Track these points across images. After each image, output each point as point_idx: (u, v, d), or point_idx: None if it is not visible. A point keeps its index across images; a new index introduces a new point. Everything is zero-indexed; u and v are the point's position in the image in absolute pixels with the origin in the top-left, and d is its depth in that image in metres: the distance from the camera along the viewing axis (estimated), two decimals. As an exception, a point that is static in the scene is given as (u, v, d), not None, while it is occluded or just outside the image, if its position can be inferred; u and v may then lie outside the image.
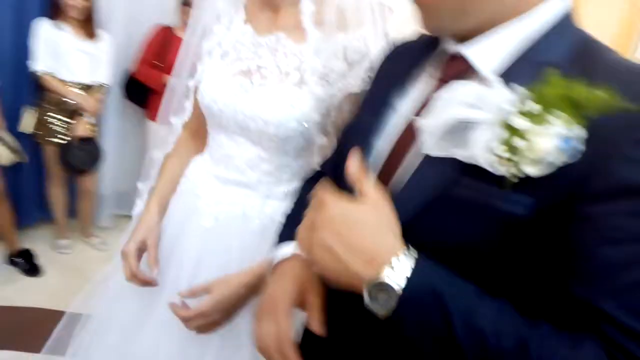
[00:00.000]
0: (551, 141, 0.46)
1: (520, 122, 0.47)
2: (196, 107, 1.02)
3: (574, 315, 0.48)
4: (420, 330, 0.49)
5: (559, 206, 0.49)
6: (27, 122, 2.50)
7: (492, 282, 0.52)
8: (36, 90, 2.50)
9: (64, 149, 2.51)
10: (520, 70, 0.53)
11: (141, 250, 0.95)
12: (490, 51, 0.56)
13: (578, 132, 0.47)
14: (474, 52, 0.57)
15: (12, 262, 2.49)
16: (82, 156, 2.56)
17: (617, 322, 0.46)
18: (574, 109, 0.46)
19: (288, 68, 0.89)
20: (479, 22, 0.55)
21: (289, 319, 0.63)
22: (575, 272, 0.48)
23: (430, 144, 0.54)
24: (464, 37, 0.58)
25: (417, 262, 0.50)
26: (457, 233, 0.53)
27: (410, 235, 0.53)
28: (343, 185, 0.61)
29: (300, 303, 0.66)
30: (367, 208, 0.53)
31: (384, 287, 0.49)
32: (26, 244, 2.58)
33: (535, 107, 0.47)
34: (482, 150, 0.49)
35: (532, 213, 0.49)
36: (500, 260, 0.52)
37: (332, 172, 0.74)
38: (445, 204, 0.54)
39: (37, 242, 2.69)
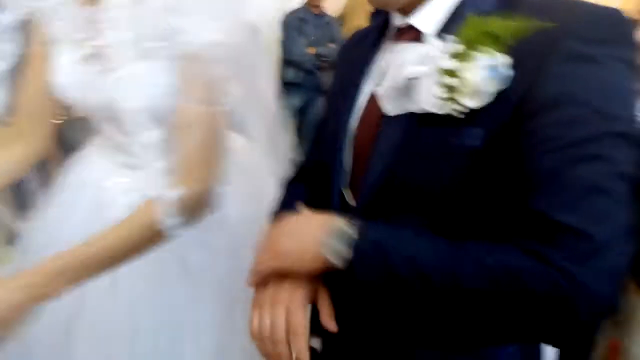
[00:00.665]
0: (479, 73, 0.53)
1: (450, 64, 0.54)
2: (32, 92, 0.91)
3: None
4: (376, 276, 0.56)
5: (507, 130, 0.54)
6: None
7: (465, 218, 0.58)
8: None
9: None
10: (454, 24, 0.59)
11: None
12: (431, 15, 0.63)
13: (502, 59, 0.53)
14: (418, 19, 0.64)
15: None
16: None
17: (547, 218, 0.51)
18: (494, 40, 0.53)
19: (123, 41, 0.79)
20: None
21: (305, 312, 0.63)
22: (527, 188, 0.53)
23: (388, 106, 0.61)
24: (407, 11, 0.65)
25: (362, 223, 0.58)
26: (428, 179, 0.59)
27: (388, 191, 0.61)
28: (328, 176, 0.70)
29: (313, 299, 0.65)
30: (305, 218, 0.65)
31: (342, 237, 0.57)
32: None
33: (460, 47, 0.54)
34: (427, 97, 0.56)
35: (486, 143, 0.55)
36: (469, 194, 0.57)
37: (313, 167, 0.80)
38: (411, 156, 0.60)
39: None
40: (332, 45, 3.59)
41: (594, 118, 0.52)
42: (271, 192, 0.92)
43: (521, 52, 0.53)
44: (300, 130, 3.78)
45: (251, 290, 0.68)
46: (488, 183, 0.56)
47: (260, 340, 0.63)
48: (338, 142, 0.70)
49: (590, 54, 0.52)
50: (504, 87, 0.54)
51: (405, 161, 0.60)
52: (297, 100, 3.60)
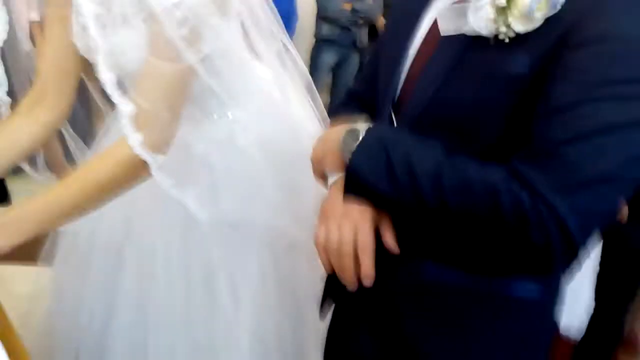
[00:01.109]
0: None
1: None
2: (50, 54, 0.93)
3: None
4: (374, 169, 0.60)
5: (552, 59, 0.54)
6: None
7: (498, 144, 0.60)
8: None
9: None
10: None
11: None
12: None
13: None
14: None
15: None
16: None
17: (549, 145, 0.53)
18: None
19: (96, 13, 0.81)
20: None
21: (373, 232, 0.64)
22: (545, 112, 0.55)
23: (444, 25, 0.63)
24: None
25: (374, 125, 0.64)
26: (473, 103, 0.60)
27: (432, 112, 0.63)
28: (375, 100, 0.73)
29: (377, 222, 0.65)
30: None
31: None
32: None
33: None
34: (479, 18, 0.57)
35: (532, 70, 0.55)
36: (509, 120, 0.59)
37: (367, 88, 0.82)
38: (459, 79, 0.61)
39: None
40: (369, 1, 3.47)
41: (636, 60, 0.52)
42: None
43: None
44: (334, 88, 3.74)
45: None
46: (528, 110, 0.57)
47: (325, 251, 0.65)
48: (395, 66, 0.71)
49: None
50: (553, 12, 0.53)
51: (452, 83, 0.62)
52: (331, 58, 3.52)
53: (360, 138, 0.62)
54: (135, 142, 0.78)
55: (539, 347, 0.73)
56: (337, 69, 3.61)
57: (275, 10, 1.04)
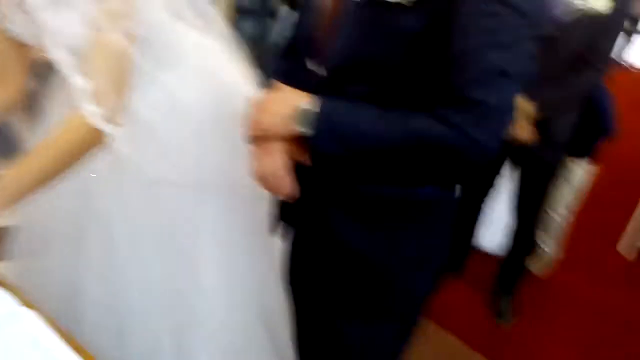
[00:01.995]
0: None
1: None
2: None
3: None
4: (331, 138, 0.75)
5: (444, 16, 0.69)
6: None
7: (406, 90, 0.76)
8: None
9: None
10: None
11: None
12: None
13: None
14: None
15: None
16: None
17: (460, 92, 0.69)
18: None
19: None
20: None
21: (285, 155, 0.82)
22: (451, 65, 0.70)
23: None
24: None
25: (322, 99, 0.76)
26: (380, 55, 0.75)
27: (348, 64, 0.79)
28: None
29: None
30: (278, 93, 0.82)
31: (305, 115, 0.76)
32: None
33: None
34: None
35: (425, 27, 0.70)
36: (411, 70, 0.74)
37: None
38: (367, 35, 0.76)
39: None
40: (284, -32, 3.51)
41: (513, 16, 0.65)
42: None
43: None
44: (258, 59, 3.75)
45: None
46: (426, 61, 0.72)
47: (263, 178, 0.85)
48: (312, 20, 0.85)
49: None
50: None
51: (362, 39, 0.77)
52: (250, 27, 3.54)
53: (313, 119, 0.75)
54: (93, 114, 0.84)
55: (442, 235, 0.93)
56: (258, 40, 3.60)
57: None
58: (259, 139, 0.83)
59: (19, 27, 0.93)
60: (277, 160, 0.81)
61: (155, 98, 1.06)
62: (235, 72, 1.20)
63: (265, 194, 0.92)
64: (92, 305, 1.09)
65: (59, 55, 0.84)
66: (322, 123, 0.75)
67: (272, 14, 3.56)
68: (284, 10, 3.64)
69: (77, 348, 0.75)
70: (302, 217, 0.93)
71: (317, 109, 0.75)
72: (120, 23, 0.87)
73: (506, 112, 0.70)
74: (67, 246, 1.10)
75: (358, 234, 0.86)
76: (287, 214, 0.97)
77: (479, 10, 0.66)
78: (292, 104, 0.77)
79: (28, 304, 0.81)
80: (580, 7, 1.65)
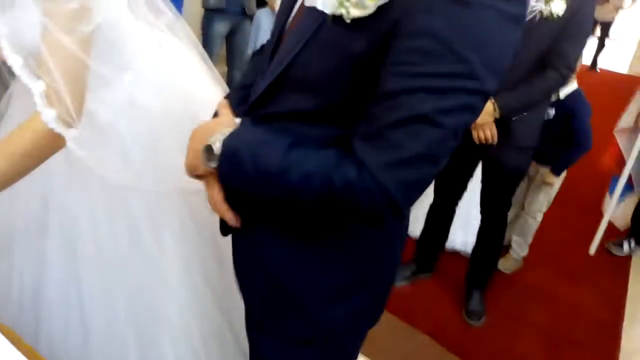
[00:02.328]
0: None
1: None
2: None
3: None
4: (233, 175, 0.71)
5: (383, 43, 0.61)
6: None
7: (340, 109, 0.69)
8: None
9: None
10: None
11: None
12: None
13: None
14: None
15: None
16: None
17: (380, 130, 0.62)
18: None
19: None
20: None
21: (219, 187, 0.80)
22: (374, 99, 0.63)
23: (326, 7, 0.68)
24: None
25: (230, 134, 0.72)
26: (320, 71, 0.69)
27: (292, 71, 0.71)
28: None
29: None
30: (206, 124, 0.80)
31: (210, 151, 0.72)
32: None
33: None
34: None
35: (366, 49, 0.62)
36: (352, 89, 0.67)
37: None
38: (312, 47, 0.69)
39: None
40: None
41: (447, 58, 0.57)
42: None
43: None
44: (229, 58, 3.70)
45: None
46: (364, 85, 0.65)
47: (212, 207, 0.82)
48: (275, 33, 0.80)
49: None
50: (383, 2, 0.59)
51: (305, 52, 0.69)
52: (222, 27, 3.48)
53: (217, 152, 0.71)
54: (49, 117, 0.83)
55: (381, 262, 0.86)
56: (230, 38, 3.58)
57: None
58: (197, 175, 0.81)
59: None
60: (215, 195, 0.79)
61: (113, 99, 1.04)
62: (196, 73, 1.19)
63: None
64: (55, 304, 1.08)
65: (12, 58, 0.82)
66: (225, 158, 0.72)
67: (243, 11, 3.49)
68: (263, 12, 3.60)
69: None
70: (235, 230, 0.87)
71: (224, 143, 0.72)
72: (74, 24, 0.86)
73: (424, 161, 0.61)
74: (31, 249, 1.07)
75: (279, 253, 0.81)
76: (224, 226, 0.91)
77: (412, 46, 0.59)
78: (206, 138, 0.74)
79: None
80: (539, 9, 1.69)
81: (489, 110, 1.81)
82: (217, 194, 0.79)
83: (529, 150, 1.96)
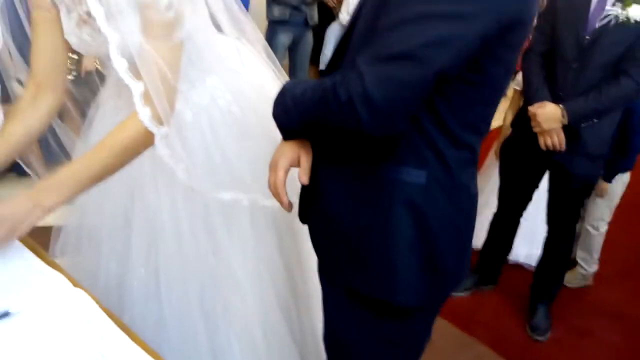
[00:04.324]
0: None
1: None
2: (41, 50, 1.03)
3: None
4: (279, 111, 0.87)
5: None
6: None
7: None
8: None
9: None
10: None
11: None
12: None
13: None
14: None
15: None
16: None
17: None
18: None
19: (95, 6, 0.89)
20: None
21: (285, 172, 0.91)
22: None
23: None
24: None
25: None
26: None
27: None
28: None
29: (296, 163, 0.91)
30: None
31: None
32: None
33: None
34: None
35: None
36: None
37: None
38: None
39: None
40: (317, -20, 3.55)
41: None
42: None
43: None
44: (292, 68, 3.81)
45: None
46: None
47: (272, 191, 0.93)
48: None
49: None
50: None
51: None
52: (285, 38, 3.60)
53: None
54: (145, 116, 0.91)
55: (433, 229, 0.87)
56: (292, 49, 3.70)
57: None
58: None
59: (73, 38, 1.00)
60: (275, 179, 0.91)
61: (199, 100, 1.11)
62: (269, 78, 1.26)
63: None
64: (136, 294, 1.16)
65: (119, 62, 0.90)
66: (278, 98, 0.87)
67: (306, 22, 3.61)
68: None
69: (123, 327, 0.78)
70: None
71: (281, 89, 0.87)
72: (169, 31, 0.94)
73: (409, 60, 0.68)
74: (117, 242, 1.16)
75: (343, 204, 0.88)
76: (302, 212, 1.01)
77: None
78: None
79: (79, 285, 0.86)
80: (616, 15, 1.63)
81: (557, 115, 1.76)
82: (281, 173, 0.90)
83: (599, 159, 1.89)
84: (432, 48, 0.67)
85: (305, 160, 0.90)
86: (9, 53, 1.06)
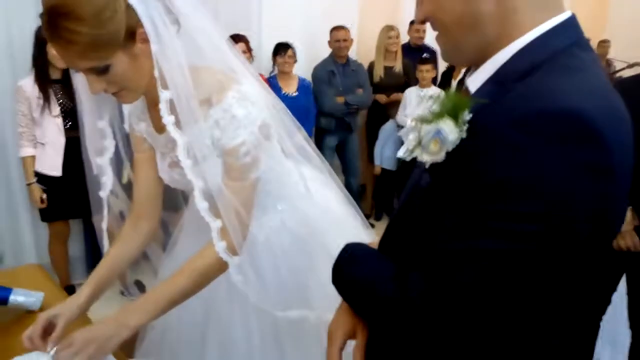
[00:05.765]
0: (430, 136, 0.66)
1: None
2: (141, 185, 1.21)
3: None
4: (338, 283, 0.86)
5: (452, 183, 0.66)
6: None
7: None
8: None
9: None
10: (484, 88, 0.70)
11: (49, 323, 1.03)
12: (478, 77, 0.71)
13: (453, 130, 0.64)
14: (471, 79, 0.73)
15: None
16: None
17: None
18: (454, 112, 0.64)
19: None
20: (474, 55, 0.71)
21: (339, 350, 0.87)
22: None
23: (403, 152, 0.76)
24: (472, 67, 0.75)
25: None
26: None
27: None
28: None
29: (352, 335, 0.88)
30: None
31: None
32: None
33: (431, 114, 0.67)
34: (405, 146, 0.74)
35: (430, 185, 0.72)
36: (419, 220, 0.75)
37: None
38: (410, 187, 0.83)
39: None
40: (360, 91, 3.81)
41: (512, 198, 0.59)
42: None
43: (474, 124, 0.64)
44: (344, 167, 4.00)
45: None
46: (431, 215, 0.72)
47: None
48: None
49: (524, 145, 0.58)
50: (450, 149, 0.65)
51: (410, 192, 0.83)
52: (332, 141, 3.85)
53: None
54: (220, 248, 1.04)
55: None
56: (340, 150, 3.94)
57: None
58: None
59: (166, 176, 1.19)
60: (333, 352, 0.86)
61: (271, 222, 1.26)
62: (333, 199, 1.39)
63: None
64: None
65: (201, 204, 1.04)
66: (334, 271, 0.85)
67: (350, 129, 3.86)
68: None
69: None
70: None
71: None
72: (246, 173, 1.07)
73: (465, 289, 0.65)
74: (193, 354, 1.27)
75: None
76: None
77: (476, 190, 0.63)
78: None
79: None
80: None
81: (628, 218, 1.70)
82: (332, 355, 0.86)
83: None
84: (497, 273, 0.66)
85: (361, 337, 0.86)
86: (116, 193, 1.25)
